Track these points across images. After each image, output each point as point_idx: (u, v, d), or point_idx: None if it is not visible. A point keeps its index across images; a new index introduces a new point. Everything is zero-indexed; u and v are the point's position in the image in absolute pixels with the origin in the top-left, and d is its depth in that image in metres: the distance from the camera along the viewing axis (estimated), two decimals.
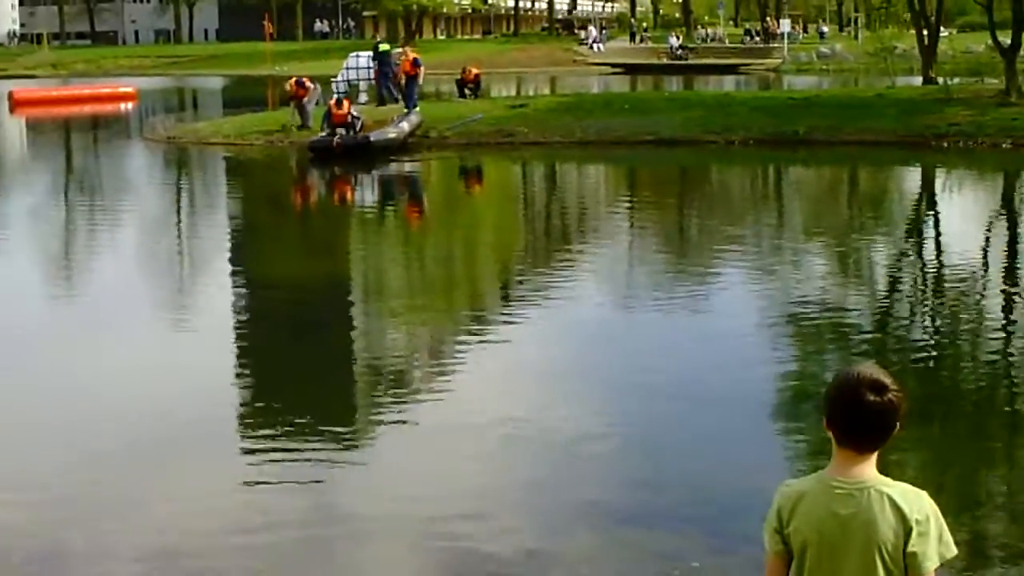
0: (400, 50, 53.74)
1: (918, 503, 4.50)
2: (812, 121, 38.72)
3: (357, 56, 47.86)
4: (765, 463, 11.24)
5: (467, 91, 49.37)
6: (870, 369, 4.53)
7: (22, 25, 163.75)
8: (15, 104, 63.49)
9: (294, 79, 42.20)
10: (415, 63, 43.07)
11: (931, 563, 4.47)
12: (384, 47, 47.40)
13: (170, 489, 10.81)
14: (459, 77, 50.57)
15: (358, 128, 36.41)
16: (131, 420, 12.68)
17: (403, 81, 43.85)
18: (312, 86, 41.57)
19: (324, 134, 36.43)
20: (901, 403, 4.47)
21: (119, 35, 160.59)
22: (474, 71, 50.53)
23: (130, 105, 65.49)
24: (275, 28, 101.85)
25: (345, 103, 37.17)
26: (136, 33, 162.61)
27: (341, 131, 35.94)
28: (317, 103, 41.50)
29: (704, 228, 25.41)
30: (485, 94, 48.62)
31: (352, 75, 47.02)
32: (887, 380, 4.46)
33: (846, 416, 4.49)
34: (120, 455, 11.68)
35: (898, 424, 4.49)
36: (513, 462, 11.49)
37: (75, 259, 23.30)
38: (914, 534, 4.45)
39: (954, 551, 4.55)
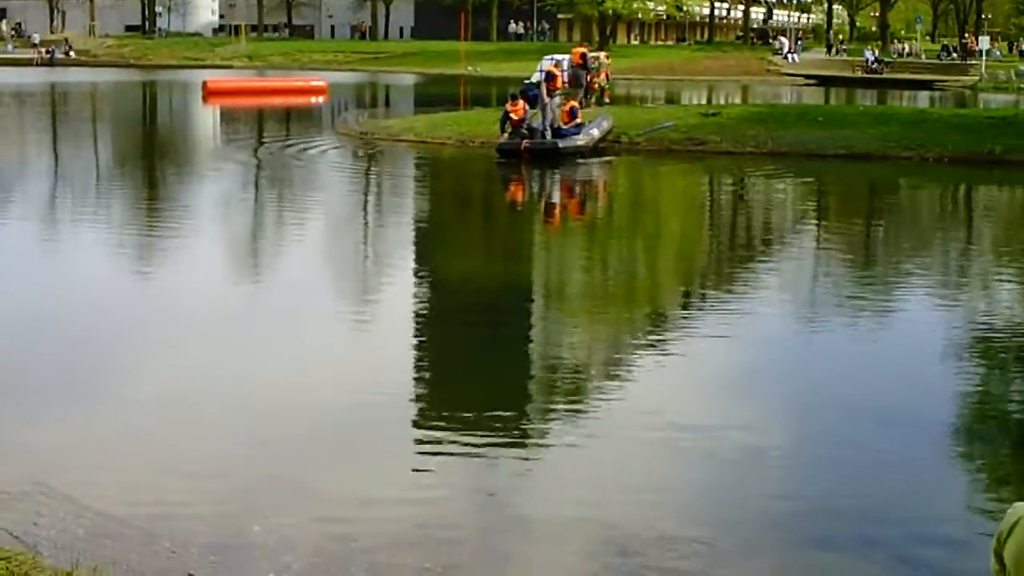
0: (594, 55, 53.80)
1: None
2: (1009, 141, 37.85)
3: (552, 59, 47.86)
4: (946, 489, 11.03)
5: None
6: None
7: (221, 16, 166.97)
8: (208, 93, 65.07)
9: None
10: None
11: None
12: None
13: (345, 485, 10.86)
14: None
15: (545, 130, 36.43)
16: (306, 413, 12.81)
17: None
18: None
19: (505, 136, 36.46)
20: None
21: (315, 29, 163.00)
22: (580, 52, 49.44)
23: (321, 99, 66.42)
24: (470, 28, 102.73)
25: (520, 103, 37.02)
26: (332, 28, 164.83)
27: (527, 134, 36.00)
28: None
29: (894, 245, 24.93)
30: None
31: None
32: None
33: None
34: (296, 447, 11.78)
35: None
36: (686, 473, 11.37)
37: (262, 249, 23.62)
38: None
39: None
